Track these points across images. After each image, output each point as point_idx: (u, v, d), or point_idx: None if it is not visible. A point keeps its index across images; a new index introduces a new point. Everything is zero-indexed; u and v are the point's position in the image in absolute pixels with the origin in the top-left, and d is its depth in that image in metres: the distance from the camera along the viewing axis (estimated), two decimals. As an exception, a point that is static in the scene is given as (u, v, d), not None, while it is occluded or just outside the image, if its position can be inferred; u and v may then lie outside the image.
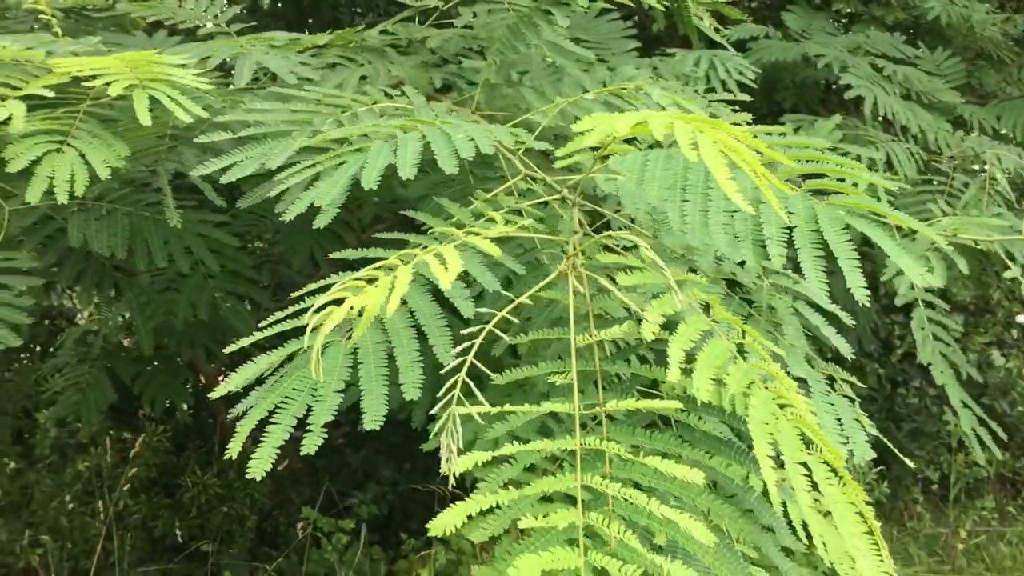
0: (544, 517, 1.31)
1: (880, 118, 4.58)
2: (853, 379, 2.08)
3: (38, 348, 6.12)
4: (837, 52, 4.87)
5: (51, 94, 2.44)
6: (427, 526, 1.28)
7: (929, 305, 3.63)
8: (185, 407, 5.54)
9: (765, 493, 1.68)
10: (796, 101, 5.39)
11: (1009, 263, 3.27)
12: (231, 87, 2.89)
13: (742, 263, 2.06)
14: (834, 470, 1.42)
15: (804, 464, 1.38)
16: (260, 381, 1.86)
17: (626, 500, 1.39)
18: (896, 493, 6.78)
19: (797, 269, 1.98)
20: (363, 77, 2.99)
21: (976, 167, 4.56)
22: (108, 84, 2.33)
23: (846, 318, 2.11)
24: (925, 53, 5.34)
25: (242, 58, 2.85)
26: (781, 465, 1.46)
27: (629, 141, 2.12)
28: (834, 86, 5.40)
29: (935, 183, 4.44)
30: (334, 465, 5.92)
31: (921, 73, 5.05)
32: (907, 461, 2.54)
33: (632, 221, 2.26)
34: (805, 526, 1.52)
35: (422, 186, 2.84)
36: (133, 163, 2.96)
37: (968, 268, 3.37)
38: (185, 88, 2.44)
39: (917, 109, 4.71)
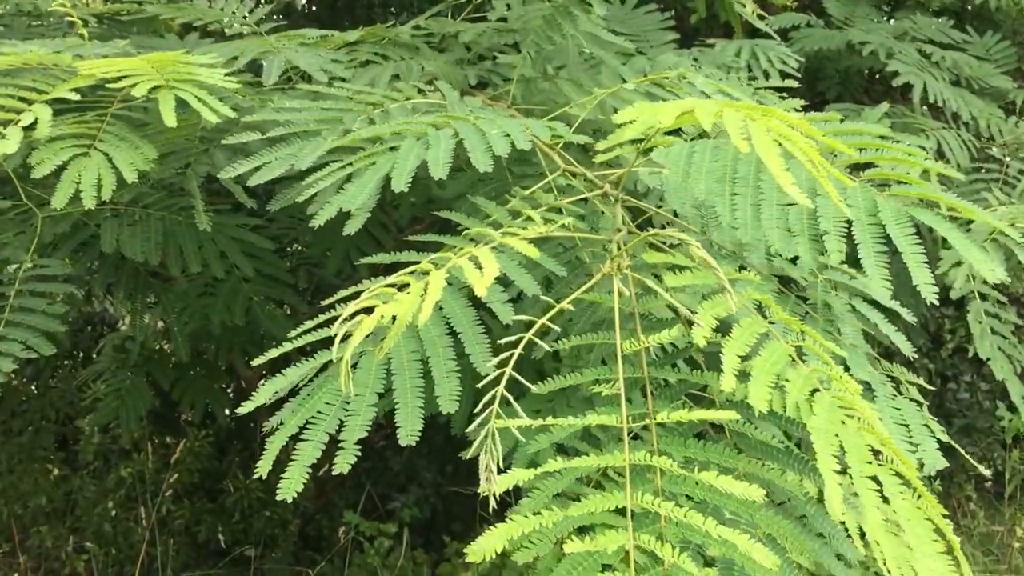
0: (591, 540, 1.21)
1: (929, 105, 4.44)
2: (920, 380, 1.96)
3: (80, 355, 6.14)
4: (882, 38, 4.72)
5: (77, 97, 2.39)
6: (465, 551, 1.19)
7: (986, 298, 3.55)
8: (226, 412, 5.52)
9: (820, 499, 1.59)
10: (840, 91, 5.25)
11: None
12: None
13: (795, 259, 1.95)
14: (907, 482, 1.31)
15: (874, 477, 1.26)
16: (295, 391, 1.78)
17: (678, 522, 1.29)
18: (948, 490, 6.60)
19: (852, 263, 1.87)
20: (395, 75, 2.90)
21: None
22: (134, 85, 2.27)
23: (906, 315, 1.99)
24: (974, 38, 5.18)
25: (271, 56, 2.78)
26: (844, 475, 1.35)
27: (672, 133, 2.01)
28: (879, 74, 5.25)
29: (989, 171, 4.30)
30: (376, 468, 5.86)
31: (970, 58, 4.90)
32: (960, 456, 2.40)
33: (676, 216, 2.15)
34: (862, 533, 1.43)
35: (459, 185, 2.75)
36: (165, 166, 2.91)
37: (1028, 259, 3.25)
38: (213, 88, 2.37)
39: (967, 95, 4.56)
